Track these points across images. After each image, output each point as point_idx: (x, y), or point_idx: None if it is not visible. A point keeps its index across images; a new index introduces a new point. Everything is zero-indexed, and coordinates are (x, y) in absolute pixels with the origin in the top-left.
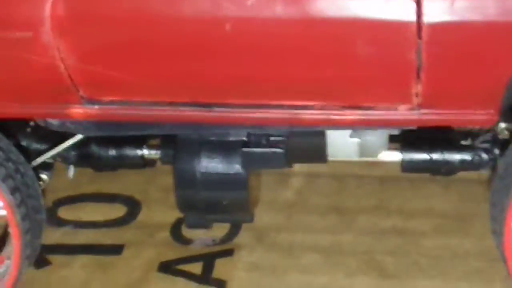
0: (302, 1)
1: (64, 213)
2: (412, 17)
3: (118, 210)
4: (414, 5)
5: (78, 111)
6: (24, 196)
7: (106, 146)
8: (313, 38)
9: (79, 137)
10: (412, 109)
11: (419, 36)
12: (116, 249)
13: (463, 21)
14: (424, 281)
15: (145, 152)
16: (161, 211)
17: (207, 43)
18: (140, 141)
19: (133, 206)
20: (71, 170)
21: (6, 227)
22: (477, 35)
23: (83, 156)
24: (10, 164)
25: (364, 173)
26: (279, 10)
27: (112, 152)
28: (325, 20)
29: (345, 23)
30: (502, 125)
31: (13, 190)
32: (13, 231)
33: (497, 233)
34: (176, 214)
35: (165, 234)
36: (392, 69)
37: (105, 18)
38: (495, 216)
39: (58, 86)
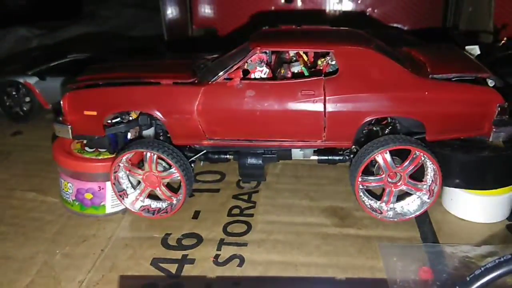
0: (283, 104)
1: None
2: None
3: (216, 176)
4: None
5: (205, 142)
6: (186, 171)
7: (213, 154)
8: (287, 118)
9: (205, 151)
10: (322, 141)
11: (325, 115)
12: (216, 190)
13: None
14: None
15: (228, 156)
16: (233, 176)
17: (251, 120)
18: (226, 152)
19: (222, 175)
20: (201, 163)
21: (180, 181)
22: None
23: (206, 158)
24: (182, 161)
25: (304, 163)
26: (275, 107)
27: (215, 156)
28: (288, 111)
29: (297, 112)
30: (353, 146)
31: (183, 169)
32: (183, 183)
33: (353, 186)
34: (238, 178)
35: (234, 185)
36: (316, 128)
37: (217, 111)
38: (351, 180)
39: (199, 133)
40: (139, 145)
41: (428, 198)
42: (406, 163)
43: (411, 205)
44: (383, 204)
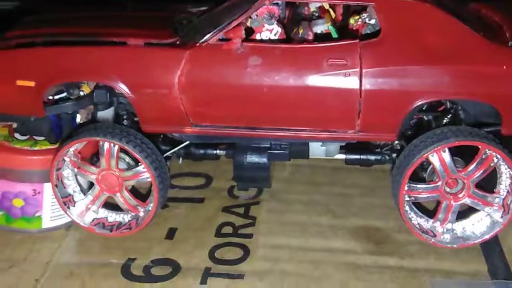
0: (302, 77)
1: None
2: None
3: (200, 180)
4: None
5: (188, 129)
6: (160, 170)
7: (198, 148)
8: (306, 97)
9: (187, 142)
10: (355, 132)
11: (361, 95)
12: (200, 200)
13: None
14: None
15: (218, 151)
16: (223, 181)
17: (255, 99)
18: (215, 146)
19: (208, 178)
20: (180, 160)
21: (150, 185)
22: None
23: (187, 153)
24: (154, 155)
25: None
26: (290, 81)
27: (200, 151)
28: (309, 88)
29: (321, 89)
30: (396, 141)
31: (155, 168)
32: (154, 188)
33: (395, 197)
34: (230, 183)
35: (225, 193)
36: (347, 113)
37: (207, 85)
38: (394, 189)
39: (180, 117)
40: (93, 131)
41: (502, 217)
42: (472, 166)
43: (477, 226)
44: (438, 224)
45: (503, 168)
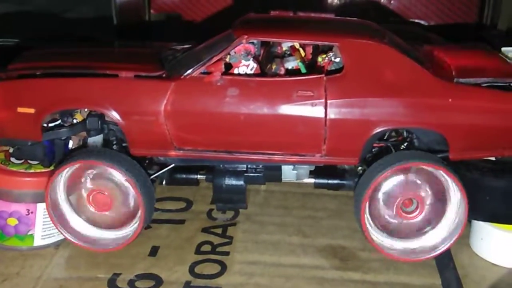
0: (274, 107)
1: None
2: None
3: (181, 204)
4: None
5: (172, 153)
6: (146, 191)
7: (180, 173)
8: (278, 124)
9: (172, 165)
10: (321, 156)
11: (326, 123)
12: (181, 221)
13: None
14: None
15: (198, 176)
16: (202, 205)
17: (233, 126)
18: (197, 171)
19: (188, 203)
20: (164, 182)
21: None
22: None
23: (170, 178)
24: (141, 177)
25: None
26: (264, 110)
27: (183, 175)
28: (281, 116)
29: (291, 117)
30: (359, 167)
31: (142, 188)
32: (140, 206)
33: (357, 215)
34: (209, 206)
35: (204, 216)
36: (314, 138)
37: (190, 112)
38: (356, 209)
39: (165, 141)
40: (85, 154)
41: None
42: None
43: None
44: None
45: (452, 190)
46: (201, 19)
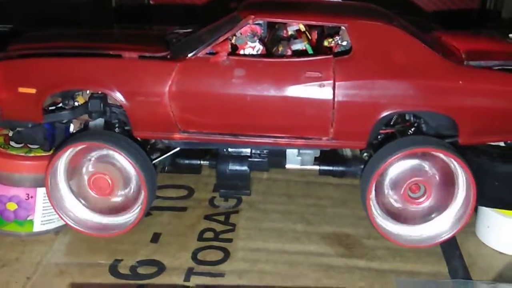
0: (282, 88)
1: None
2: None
3: (183, 192)
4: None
5: (177, 135)
6: (149, 174)
7: (183, 158)
8: (285, 106)
9: (177, 149)
10: (328, 139)
11: (334, 105)
12: (183, 209)
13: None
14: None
15: (202, 161)
16: (204, 193)
17: (239, 107)
18: (200, 157)
19: (190, 190)
20: (165, 168)
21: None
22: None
23: (173, 164)
24: (144, 160)
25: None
26: (271, 92)
27: (185, 161)
28: (288, 97)
29: (298, 99)
30: (365, 153)
31: (145, 171)
32: (144, 188)
33: (363, 200)
34: (211, 194)
35: (206, 203)
36: (321, 121)
37: (195, 94)
38: (362, 192)
39: (170, 123)
40: (90, 136)
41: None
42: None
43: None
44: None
45: (461, 176)
46: (202, 3)
